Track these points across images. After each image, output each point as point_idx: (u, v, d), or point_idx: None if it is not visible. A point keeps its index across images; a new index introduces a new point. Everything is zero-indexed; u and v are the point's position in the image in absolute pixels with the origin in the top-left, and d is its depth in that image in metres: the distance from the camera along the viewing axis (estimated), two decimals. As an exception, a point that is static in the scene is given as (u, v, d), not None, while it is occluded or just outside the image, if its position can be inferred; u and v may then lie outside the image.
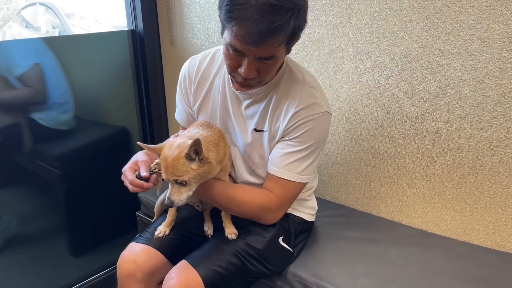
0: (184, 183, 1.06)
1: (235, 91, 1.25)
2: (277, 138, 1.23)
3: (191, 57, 1.36)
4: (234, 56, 1.07)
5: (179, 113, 1.43)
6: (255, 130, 1.26)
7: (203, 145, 1.04)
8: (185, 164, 1.04)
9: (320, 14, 1.57)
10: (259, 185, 1.32)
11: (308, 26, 1.58)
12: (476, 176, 1.39)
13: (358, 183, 1.68)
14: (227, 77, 1.26)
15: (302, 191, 1.37)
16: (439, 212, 1.50)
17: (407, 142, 1.50)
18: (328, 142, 1.69)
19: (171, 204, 1.07)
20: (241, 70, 1.07)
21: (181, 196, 1.07)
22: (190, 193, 1.08)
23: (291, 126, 1.19)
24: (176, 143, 1.06)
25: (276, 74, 1.20)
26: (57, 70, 1.83)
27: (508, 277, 1.24)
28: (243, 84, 1.14)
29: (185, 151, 1.03)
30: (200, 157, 1.05)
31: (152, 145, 1.11)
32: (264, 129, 1.25)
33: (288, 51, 1.10)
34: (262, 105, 1.23)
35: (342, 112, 1.63)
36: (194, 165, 1.05)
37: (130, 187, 1.17)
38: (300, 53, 1.67)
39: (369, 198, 1.66)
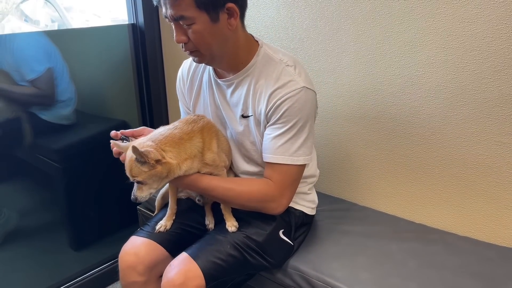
0: (141, 182, 1.12)
1: (218, 80, 1.29)
2: (262, 123, 1.24)
3: (184, 61, 1.44)
4: (170, 25, 1.17)
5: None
6: (242, 116, 1.27)
7: (157, 147, 1.10)
8: (137, 166, 1.09)
9: (321, 8, 1.56)
10: (259, 173, 1.32)
11: (309, 20, 1.61)
12: (476, 170, 1.39)
13: (359, 178, 1.68)
14: (212, 70, 1.31)
15: (303, 185, 1.38)
16: (439, 207, 1.50)
17: (408, 137, 1.50)
18: (329, 136, 1.70)
19: (135, 200, 1.15)
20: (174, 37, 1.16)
21: (142, 193, 1.14)
22: (152, 190, 1.15)
23: (271, 108, 1.19)
24: (134, 144, 1.11)
25: (252, 58, 1.23)
26: (63, 69, 1.83)
27: (509, 272, 1.24)
28: (191, 55, 1.22)
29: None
30: (147, 162, 1.09)
31: (122, 144, 1.17)
32: (249, 114, 1.26)
33: (211, 18, 1.11)
34: (244, 90, 1.25)
35: (343, 107, 1.62)
36: (145, 168, 1.10)
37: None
38: (301, 48, 1.66)
39: (369, 192, 1.66)
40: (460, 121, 1.38)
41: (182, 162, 1.15)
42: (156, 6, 1.17)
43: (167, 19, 1.15)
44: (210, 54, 1.19)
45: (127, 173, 1.13)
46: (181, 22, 1.12)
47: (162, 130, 1.20)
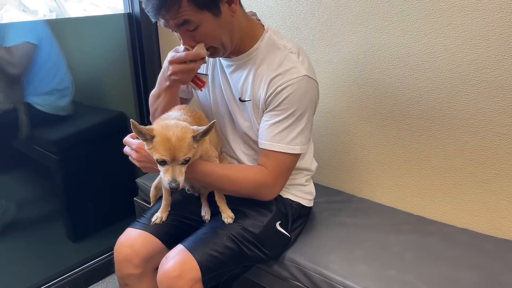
0: (188, 160, 1.08)
1: (221, 59, 1.28)
2: (260, 108, 1.23)
3: None
4: (175, 34, 1.15)
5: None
6: (240, 100, 1.27)
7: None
8: (191, 142, 1.07)
9: (320, -3, 1.54)
10: (256, 157, 1.32)
11: (306, 9, 1.58)
12: (476, 162, 1.38)
13: (357, 169, 1.67)
14: None
15: (300, 176, 1.38)
16: (438, 198, 1.49)
17: (406, 128, 1.49)
18: (326, 127, 1.68)
19: (177, 186, 1.05)
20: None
21: (182, 176, 1.06)
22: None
23: (271, 94, 1.18)
24: (172, 124, 1.08)
25: (256, 43, 1.22)
26: (60, 58, 1.81)
27: (507, 264, 1.23)
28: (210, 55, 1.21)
29: (190, 131, 1.07)
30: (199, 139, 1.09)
31: (144, 127, 1.07)
32: (247, 99, 1.25)
33: (214, 13, 1.10)
34: (245, 73, 1.24)
35: (341, 97, 1.61)
36: (195, 145, 1.09)
37: (136, 155, 1.17)
38: (299, 37, 1.64)
39: (367, 184, 1.66)
40: (459, 112, 1.36)
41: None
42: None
43: (169, 29, 1.14)
44: (222, 46, 1.17)
45: (173, 154, 1.04)
46: (186, 29, 1.11)
47: (177, 114, 1.18)
